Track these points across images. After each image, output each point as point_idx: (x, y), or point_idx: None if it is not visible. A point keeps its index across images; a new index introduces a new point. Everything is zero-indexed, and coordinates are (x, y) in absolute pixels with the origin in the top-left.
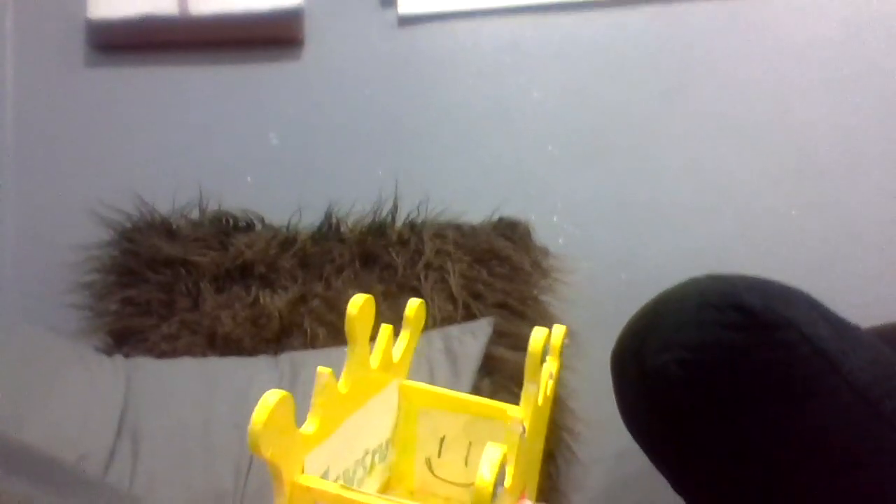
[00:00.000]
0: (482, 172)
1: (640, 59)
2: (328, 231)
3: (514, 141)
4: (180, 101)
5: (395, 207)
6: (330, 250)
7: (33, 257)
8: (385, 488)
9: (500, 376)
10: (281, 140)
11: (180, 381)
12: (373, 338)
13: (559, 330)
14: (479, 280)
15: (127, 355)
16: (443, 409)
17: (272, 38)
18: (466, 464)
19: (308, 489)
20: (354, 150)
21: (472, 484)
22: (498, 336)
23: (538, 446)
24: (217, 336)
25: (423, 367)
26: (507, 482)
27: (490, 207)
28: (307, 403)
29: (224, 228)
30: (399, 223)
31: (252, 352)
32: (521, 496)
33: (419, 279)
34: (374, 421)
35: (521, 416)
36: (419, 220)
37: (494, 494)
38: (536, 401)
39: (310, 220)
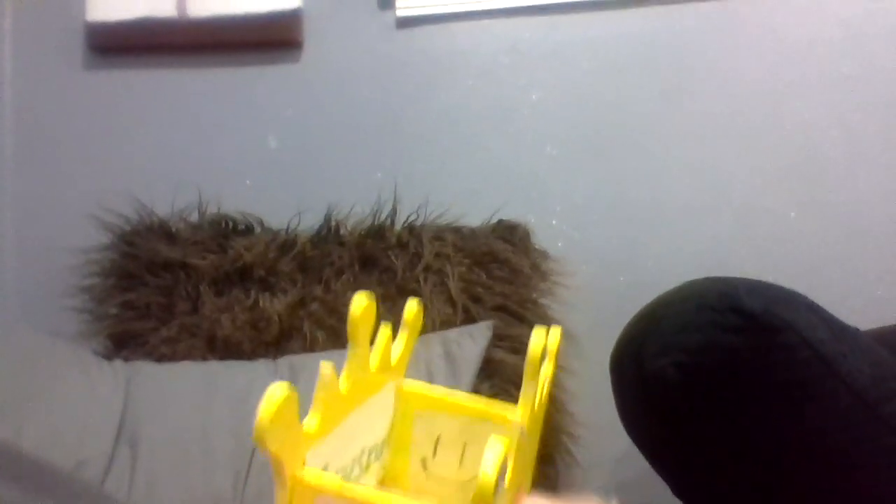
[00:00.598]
0: (481, 175)
1: (638, 60)
2: (327, 234)
3: (513, 143)
4: (179, 103)
5: (394, 210)
6: (329, 253)
7: (33, 261)
8: (379, 487)
9: (499, 379)
10: (280, 142)
11: (179, 386)
12: (372, 340)
13: (555, 332)
14: (479, 283)
15: (126, 359)
16: (439, 410)
17: (271, 40)
18: (461, 464)
19: (309, 484)
20: (353, 152)
21: (467, 482)
22: (497, 339)
23: (533, 448)
24: (216, 339)
25: (421, 371)
26: (508, 480)
27: (489, 210)
28: (306, 407)
29: (223, 231)
30: (398, 226)
31: (251, 355)
32: (517, 498)
33: (418, 282)
34: (372, 420)
35: (520, 416)
36: (418, 223)
37: (497, 490)
38: (534, 402)
39: (309, 222)
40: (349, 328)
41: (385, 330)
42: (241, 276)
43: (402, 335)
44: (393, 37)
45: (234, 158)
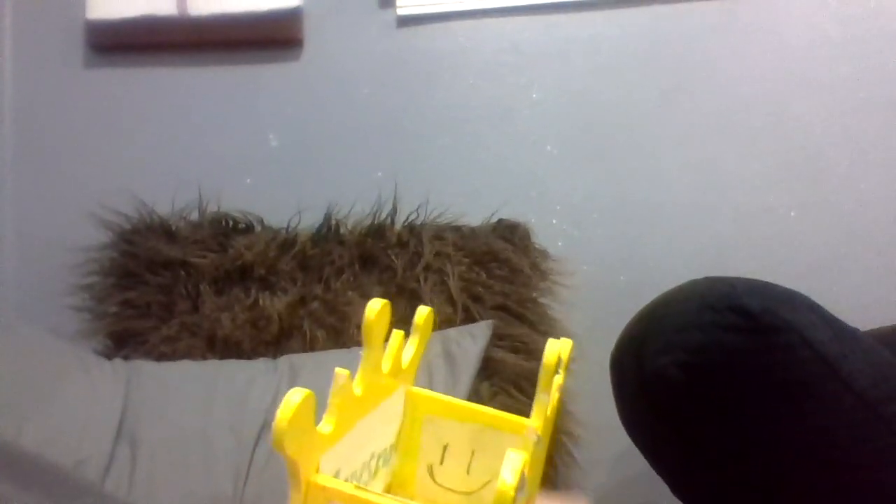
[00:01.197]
0: (481, 174)
1: (639, 60)
2: (327, 233)
3: (513, 142)
4: (179, 102)
5: (394, 209)
6: (329, 252)
7: (33, 259)
8: (387, 492)
9: (499, 379)
10: (280, 141)
11: (179, 385)
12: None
13: (567, 344)
14: (479, 282)
15: (126, 358)
16: (448, 417)
17: (271, 38)
18: (468, 472)
19: (323, 488)
20: (354, 151)
21: (474, 493)
22: (497, 338)
23: (543, 457)
24: (217, 338)
25: (421, 370)
26: (527, 489)
27: (489, 209)
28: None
29: (223, 230)
30: (398, 225)
31: (252, 354)
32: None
33: (418, 281)
34: (381, 425)
35: (535, 425)
36: (418, 222)
37: (515, 501)
38: (547, 411)
39: (309, 221)
40: (364, 331)
41: (398, 334)
42: (242, 274)
43: (414, 340)
44: (393, 35)
45: (235, 157)
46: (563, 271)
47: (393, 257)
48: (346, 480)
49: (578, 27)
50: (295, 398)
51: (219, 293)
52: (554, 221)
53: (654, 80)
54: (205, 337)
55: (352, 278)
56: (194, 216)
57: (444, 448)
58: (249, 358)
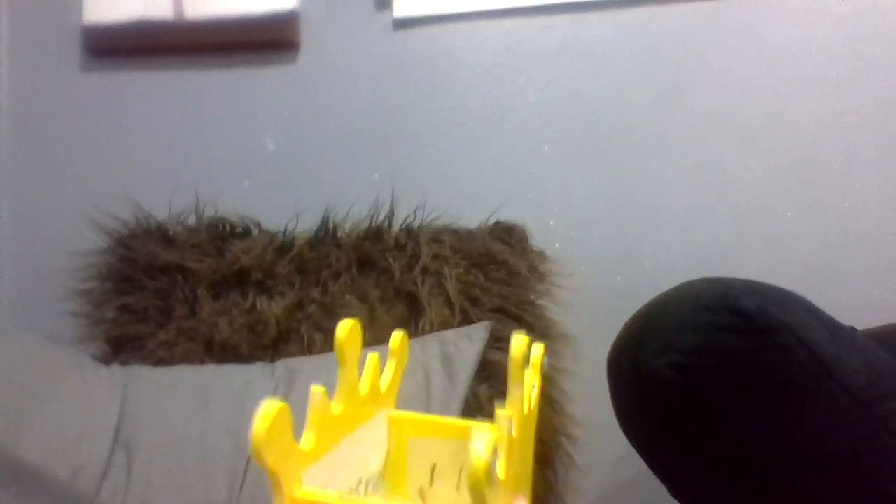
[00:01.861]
0: (479, 176)
1: (636, 61)
2: (325, 236)
3: (510, 144)
4: (176, 105)
5: (391, 212)
6: (327, 255)
7: (30, 264)
8: None
9: (496, 381)
10: (277, 144)
11: (176, 391)
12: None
13: (538, 349)
14: (476, 284)
15: (124, 363)
16: (432, 436)
17: (268, 41)
18: (458, 490)
19: (308, 499)
20: (351, 154)
21: None
22: (495, 340)
23: (528, 455)
24: (214, 343)
25: (419, 373)
26: (501, 470)
27: (487, 211)
28: (304, 414)
29: (221, 234)
30: (396, 228)
31: (249, 358)
32: (516, 498)
33: (416, 284)
34: (366, 450)
35: (509, 414)
36: (416, 225)
37: (490, 473)
38: (521, 405)
39: (306, 224)
40: (337, 352)
41: (373, 357)
42: (239, 278)
43: (391, 364)
44: (390, 38)
45: (232, 160)
46: (560, 273)
47: (390, 260)
48: None
49: (575, 28)
50: (270, 408)
51: (216, 297)
52: (551, 223)
53: (651, 80)
54: (202, 341)
55: (349, 281)
56: (191, 220)
57: (432, 469)
58: (247, 362)
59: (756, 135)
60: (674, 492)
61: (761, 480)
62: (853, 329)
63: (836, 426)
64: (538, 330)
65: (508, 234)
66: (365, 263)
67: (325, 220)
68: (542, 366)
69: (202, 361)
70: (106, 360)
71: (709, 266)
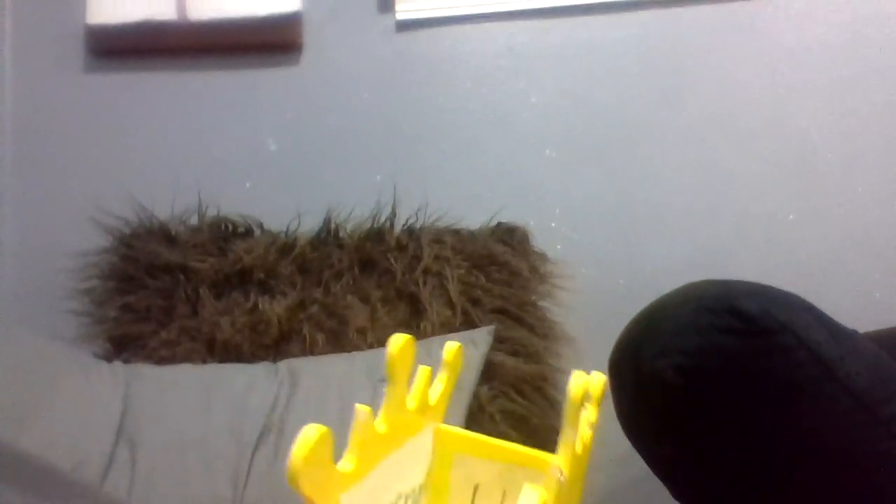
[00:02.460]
0: (480, 177)
1: (637, 63)
2: (327, 236)
3: (512, 145)
4: (179, 106)
5: (393, 213)
6: (329, 256)
7: (32, 263)
8: None
9: (498, 382)
10: (279, 145)
11: (179, 389)
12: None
13: (599, 378)
14: (478, 286)
15: (126, 362)
16: (478, 455)
17: (270, 43)
18: None
19: None
20: (353, 155)
21: None
22: (496, 342)
23: (576, 495)
24: (216, 342)
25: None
26: None
27: (488, 213)
28: (308, 412)
29: (223, 234)
30: (397, 228)
31: (251, 358)
32: None
33: (417, 285)
34: (409, 464)
35: (560, 460)
36: (417, 226)
37: None
38: (574, 447)
39: (308, 225)
40: (388, 367)
41: (424, 371)
42: (241, 278)
43: (442, 376)
44: (392, 40)
45: (234, 161)
46: (562, 274)
47: (392, 261)
48: None
49: (577, 31)
50: (311, 434)
51: (218, 297)
52: (553, 224)
53: (652, 83)
54: (204, 341)
55: (351, 282)
56: (194, 220)
57: (475, 489)
58: (249, 362)
59: (757, 138)
60: (675, 493)
61: (762, 481)
62: (854, 332)
63: (838, 428)
64: (539, 331)
65: (510, 236)
66: (367, 264)
67: (326, 221)
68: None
69: (204, 361)
70: (108, 359)
71: (710, 268)
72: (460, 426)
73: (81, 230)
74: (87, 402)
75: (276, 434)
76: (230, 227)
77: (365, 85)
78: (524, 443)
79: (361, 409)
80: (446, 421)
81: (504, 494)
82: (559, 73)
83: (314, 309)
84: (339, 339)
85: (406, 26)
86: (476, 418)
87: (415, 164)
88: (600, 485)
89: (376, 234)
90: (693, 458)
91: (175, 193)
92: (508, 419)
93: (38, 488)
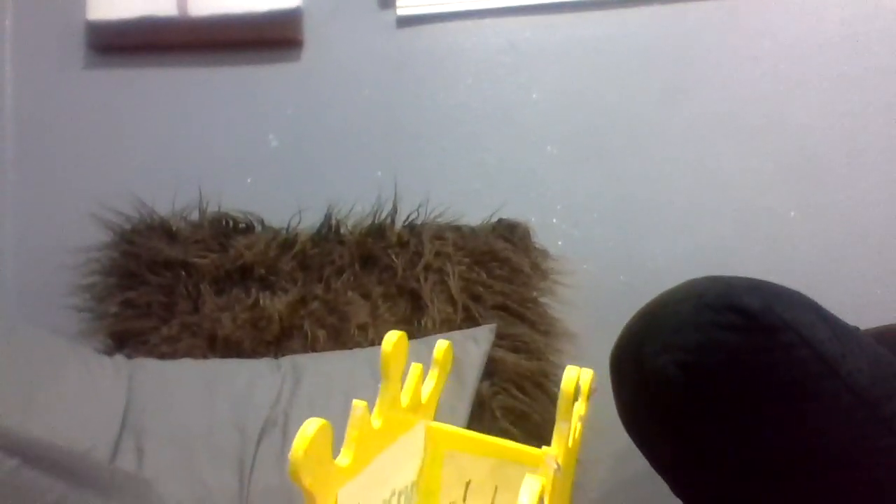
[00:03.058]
0: (481, 174)
1: (639, 60)
2: (328, 233)
3: (513, 142)
4: (180, 102)
5: (394, 209)
6: (329, 252)
7: (33, 259)
8: None
9: (499, 378)
10: (280, 141)
11: (182, 382)
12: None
13: (588, 374)
14: (479, 282)
15: (127, 357)
16: (469, 452)
17: (271, 39)
18: None
19: None
20: (354, 151)
21: None
22: (498, 338)
23: (567, 487)
24: (217, 338)
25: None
26: None
27: (489, 209)
28: (312, 407)
29: (224, 230)
30: (398, 225)
31: (252, 354)
32: None
33: (419, 281)
34: (402, 461)
35: (555, 453)
36: (419, 222)
37: None
38: (568, 440)
39: (309, 221)
40: (382, 364)
41: (416, 368)
42: (242, 274)
43: (433, 374)
44: (393, 36)
45: (235, 157)
46: (563, 271)
47: (393, 257)
48: None
49: (578, 27)
50: (310, 429)
51: (219, 293)
52: (554, 221)
53: (653, 80)
54: (205, 337)
55: (352, 278)
56: (195, 216)
57: (467, 485)
58: (250, 358)
59: (758, 134)
60: (675, 489)
61: (763, 478)
62: (856, 329)
63: (839, 425)
64: (540, 328)
65: (511, 232)
66: (368, 260)
67: (327, 217)
68: (590, 392)
69: (205, 357)
70: (109, 355)
71: (711, 265)
72: (464, 423)
73: (82, 226)
74: (91, 396)
75: (280, 428)
76: (231, 223)
77: (366, 81)
78: (525, 439)
79: (358, 404)
80: (450, 418)
81: (496, 490)
82: (561, 70)
83: (315, 305)
84: (340, 336)
85: (407, 22)
86: (477, 415)
87: (416, 160)
88: (600, 481)
89: (377, 231)
90: (693, 454)
91: (176, 189)
92: (509, 415)
93: (56, 467)
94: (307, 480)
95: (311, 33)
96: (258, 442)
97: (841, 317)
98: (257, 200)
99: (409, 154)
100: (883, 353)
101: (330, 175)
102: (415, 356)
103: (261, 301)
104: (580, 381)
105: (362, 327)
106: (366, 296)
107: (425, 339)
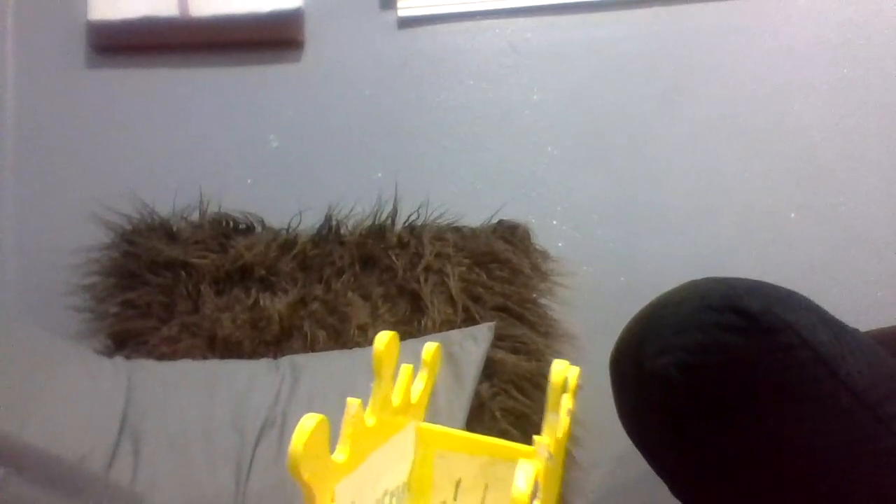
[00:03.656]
0: (482, 175)
1: (639, 61)
2: (328, 233)
3: (513, 143)
4: (181, 102)
5: (394, 210)
6: (330, 253)
7: (33, 260)
8: None
9: (499, 379)
10: (281, 142)
11: (181, 383)
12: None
13: (574, 371)
14: (479, 283)
15: (127, 358)
16: (459, 451)
17: (272, 39)
18: None
19: None
20: (354, 152)
21: None
22: (497, 339)
23: (557, 480)
24: (217, 339)
25: None
26: (539, 499)
27: (490, 210)
28: (310, 407)
29: (224, 231)
30: (399, 226)
31: (252, 354)
32: None
33: (419, 282)
34: (393, 461)
35: (546, 442)
36: (419, 223)
37: None
38: (557, 430)
39: (310, 222)
40: (374, 363)
41: (406, 368)
42: (242, 275)
43: (422, 374)
44: (394, 37)
45: (236, 158)
46: (563, 272)
47: (393, 258)
48: None
49: (579, 28)
50: (309, 423)
51: (219, 293)
52: (554, 222)
53: (654, 81)
54: (205, 337)
55: (352, 279)
56: (195, 217)
57: (457, 484)
58: (250, 358)
59: (759, 136)
60: (675, 491)
61: (763, 480)
62: (856, 330)
63: (839, 426)
64: (540, 329)
65: (511, 233)
66: (368, 261)
67: (328, 218)
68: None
69: (204, 357)
70: (108, 355)
71: (711, 266)
72: (462, 424)
73: (82, 226)
74: (90, 397)
75: (278, 428)
76: (231, 224)
77: (366, 82)
78: (525, 440)
79: (353, 401)
80: (448, 416)
81: (486, 488)
82: (562, 71)
83: (315, 306)
84: (340, 337)
85: (408, 23)
86: (477, 416)
87: (416, 161)
88: (600, 483)
89: (377, 231)
90: (693, 456)
91: (176, 190)
92: (509, 416)
93: (46, 478)
94: (306, 474)
95: (312, 34)
96: (256, 443)
97: (841, 318)
98: (258, 201)
99: (409, 155)
100: (883, 355)
101: (330, 176)
102: (414, 356)
103: (261, 301)
104: (568, 375)
105: (362, 328)
106: (366, 297)
107: (422, 338)
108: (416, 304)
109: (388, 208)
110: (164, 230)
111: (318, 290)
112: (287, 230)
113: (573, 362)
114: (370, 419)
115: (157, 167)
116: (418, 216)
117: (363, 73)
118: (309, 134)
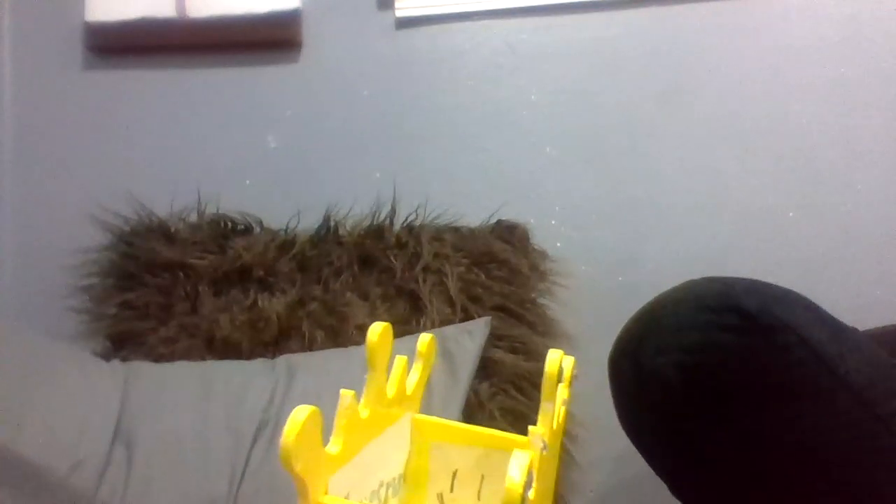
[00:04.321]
0: (480, 175)
1: (638, 61)
2: (326, 234)
3: (512, 143)
4: (178, 103)
5: (393, 210)
6: (328, 253)
7: (31, 261)
8: None
9: (498, 379)
10: (279, 143)
11: (176, 386)
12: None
13: (569, 361)
14: (478, 283)
15: (125, 359)
16: (455, 442)
17: (270, 40)
18: (479, 498)
19: None
20: (352, 152)
21: None
22: (496, 339)
23: (552, 473)
24: (215, 339)
25: None
26: (534, 492)
27: (488, 210)
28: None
29: (222, 231)
30: (397, 226)
31: (250, 355)
32: None
33: (417, 282)
34: (389, 453)
35: (541, 432)
36: (417, 223)
37: (523, 499)
38: (552, 420)
39: (308, 222)
40: (367, 354)
41: (401, 359)
42: (240, 276)
43: (417, 366)
44: (392, 37)
45: (234, 159)
46: (561, 272)
47: (392, 258)
48: None
49: (577, 29)
50: (301, 415)
51: (218, 294)
52: (553, 222)
53: (652, 81)
54: (203, 338)
55: (351, 279)
56: (193, 218)
57: (454, 475)
58: (248, 359)
59: (757, 135)
60: (674, 490)
61: (761, 479)
62: (854, 329)
63: (837, 425)
64: (539, 329)
65: (510, 233)
66: (366, 261)
67: (326, 218)
68: (572, 378)
69: (203, 358)
70: (107, 357)
71: (710, 266)
72: (457, 415)
73: (80, 227)
74: (85, 401)
75: (272, 428)
76: (229, 225)
77: (364, 82)
78: None
79: (346, 393)
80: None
81: (482, 479)
82: (560, 71)
83: (314, 306)
84: (339, 337)
85: (406, 23)
86: (475, 415)
87: (414, 161)
88: (599, 482)
89: (376, 232)
90: (692, 455)
91: (174, 191)
92: (508, 416)
93: (33, 493)
94: (298, 466)
95: (309, 35)
96: (251, 445)
97: (839, 317)
98: (256, 202)
99: (407, 155)
100: (881, 354)
101: (329, 176)
102: (410, 352)
103: (259, 302)
104: (563, 365)
105: (361, 328)
106: (364, 297)
107: (418, 335)
108: (415, 305)
109: (387, 208)
110: (163, 231)
111: (317, 290)
112: (285, 231)
113: (574, 367)
114: (364, 411)
115: (155, 168)
116: (417, 216)
117: (361, 73)
118: (307, 134)
